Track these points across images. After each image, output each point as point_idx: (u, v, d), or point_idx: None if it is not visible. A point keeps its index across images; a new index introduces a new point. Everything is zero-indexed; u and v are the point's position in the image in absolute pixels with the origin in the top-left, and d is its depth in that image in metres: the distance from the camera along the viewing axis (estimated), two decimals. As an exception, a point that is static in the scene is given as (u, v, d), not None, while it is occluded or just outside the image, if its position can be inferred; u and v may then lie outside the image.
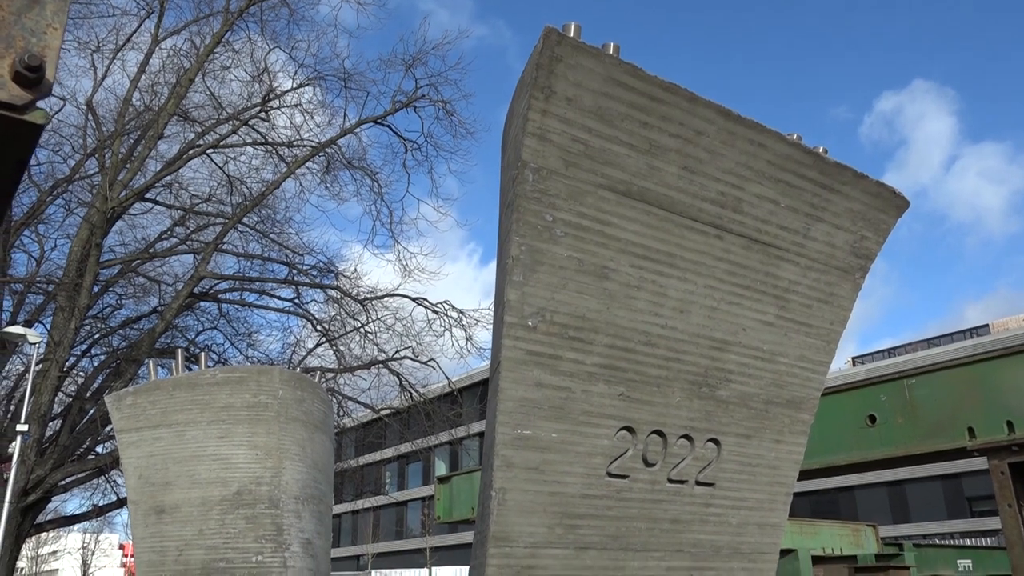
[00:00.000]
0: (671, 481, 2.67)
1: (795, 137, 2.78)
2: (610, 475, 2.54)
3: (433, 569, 34.61)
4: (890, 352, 63.30)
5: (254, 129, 21.85)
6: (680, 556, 2.72)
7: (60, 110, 21.22)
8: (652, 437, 2.62)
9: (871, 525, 11.61)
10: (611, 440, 2.53)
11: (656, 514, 2.65)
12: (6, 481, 17.82)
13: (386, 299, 23.05)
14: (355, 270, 25.33)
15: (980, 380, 5.39)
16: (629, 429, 2.57)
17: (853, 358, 66.60)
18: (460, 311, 22.84)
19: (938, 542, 16.90)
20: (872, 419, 5.82)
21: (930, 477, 49.34)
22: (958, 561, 11.51)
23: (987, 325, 63.27)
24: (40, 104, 1.51)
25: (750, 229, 2.76)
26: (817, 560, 9.85)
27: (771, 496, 2.93)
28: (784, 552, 8.71)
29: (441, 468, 48.83)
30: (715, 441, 2.76)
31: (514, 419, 2.36)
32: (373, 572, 33.46)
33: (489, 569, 2.33)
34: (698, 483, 2.73)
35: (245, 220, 22.38)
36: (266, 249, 23.34)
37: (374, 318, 22.75)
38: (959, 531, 43.38)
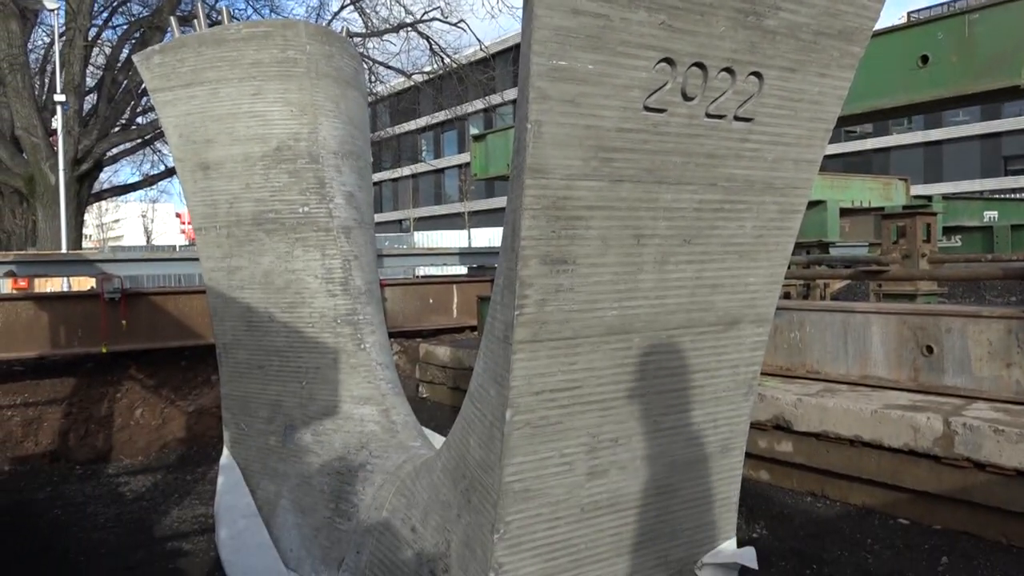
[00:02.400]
0: (709, 116, 2.62)
1: None
2: (647, 109, 2.49)
3: (471, 230, 36.56)
4: (949, 5, 59.19)
5: None
6: (713, 190, 2.75)
7: None
8: (692, 70, 2.51)
9: (903, 179, 11.69)
10: (649, 72, 2.44)
11: (692, 148, 2.63)
12: (56, 152, 18.44)
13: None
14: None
15: (1049, 14, 5.00)
16: (669, 61, 2.46)
17: (908, 13, 62.56)
18: (490, -34, 21.43)
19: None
20: (924, 60, 5.51)
21: (968, 137, 48.83)
22: (984, 212, 11.70)
23: (1063, -28, 58.21)
24: None
25: None
26: (845, 212, 10.08)
27: (810, 132, 2.88)
28: (812, 204, 8.87)
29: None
30: (757, 75, 2.65)
31: (549, 49, 2.27)
32: (416, 234, 35.46)
33: (526, 199, 2.38)
34: (736, 118, 2.68)
35: None
36: (275, -101, 21.46)
37: (399, -24, 21.53)
38: (991, 189, 43.85)
